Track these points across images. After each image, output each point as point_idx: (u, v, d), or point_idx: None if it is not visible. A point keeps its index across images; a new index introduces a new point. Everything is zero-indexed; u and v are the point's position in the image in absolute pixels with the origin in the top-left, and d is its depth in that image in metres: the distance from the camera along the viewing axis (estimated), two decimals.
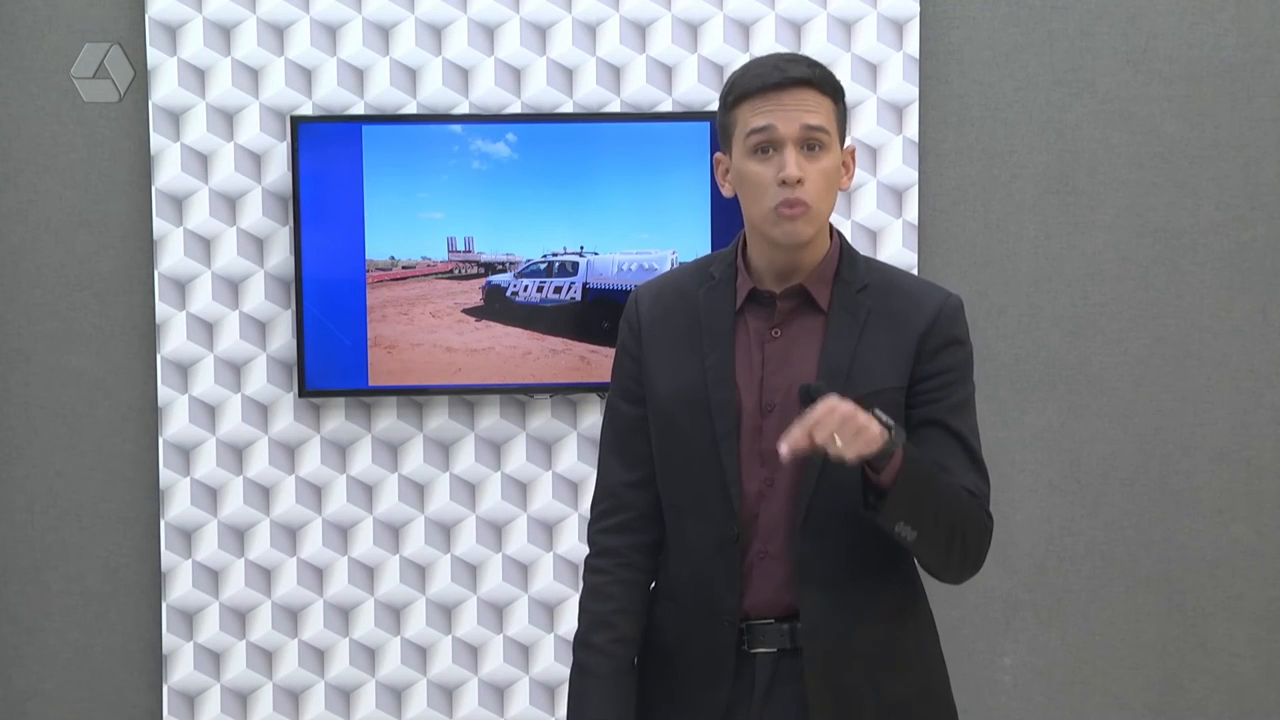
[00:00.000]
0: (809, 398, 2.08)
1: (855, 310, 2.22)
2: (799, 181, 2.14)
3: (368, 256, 3.71)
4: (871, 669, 2.24)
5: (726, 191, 2.27)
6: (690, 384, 2.23)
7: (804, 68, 2.17)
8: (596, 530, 2.36)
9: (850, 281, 2.24)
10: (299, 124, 3.70)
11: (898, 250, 3.85)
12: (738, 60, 3.82)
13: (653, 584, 2.36)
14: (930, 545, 2.20)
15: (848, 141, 2.26)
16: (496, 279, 3.75)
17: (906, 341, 2.20)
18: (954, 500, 2.20)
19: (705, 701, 2.26)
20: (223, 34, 3.77)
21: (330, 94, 3.78)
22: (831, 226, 2.28)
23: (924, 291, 2.26)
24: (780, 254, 2.22)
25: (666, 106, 3.82)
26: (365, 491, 3.86)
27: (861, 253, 2.33)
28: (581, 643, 2.32)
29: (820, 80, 2.18)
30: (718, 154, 2.28)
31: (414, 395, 3.81)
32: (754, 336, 2.24)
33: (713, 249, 3.56)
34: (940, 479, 2.18)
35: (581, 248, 3.74)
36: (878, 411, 2.06)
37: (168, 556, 3.84)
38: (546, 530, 3.88)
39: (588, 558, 2.37)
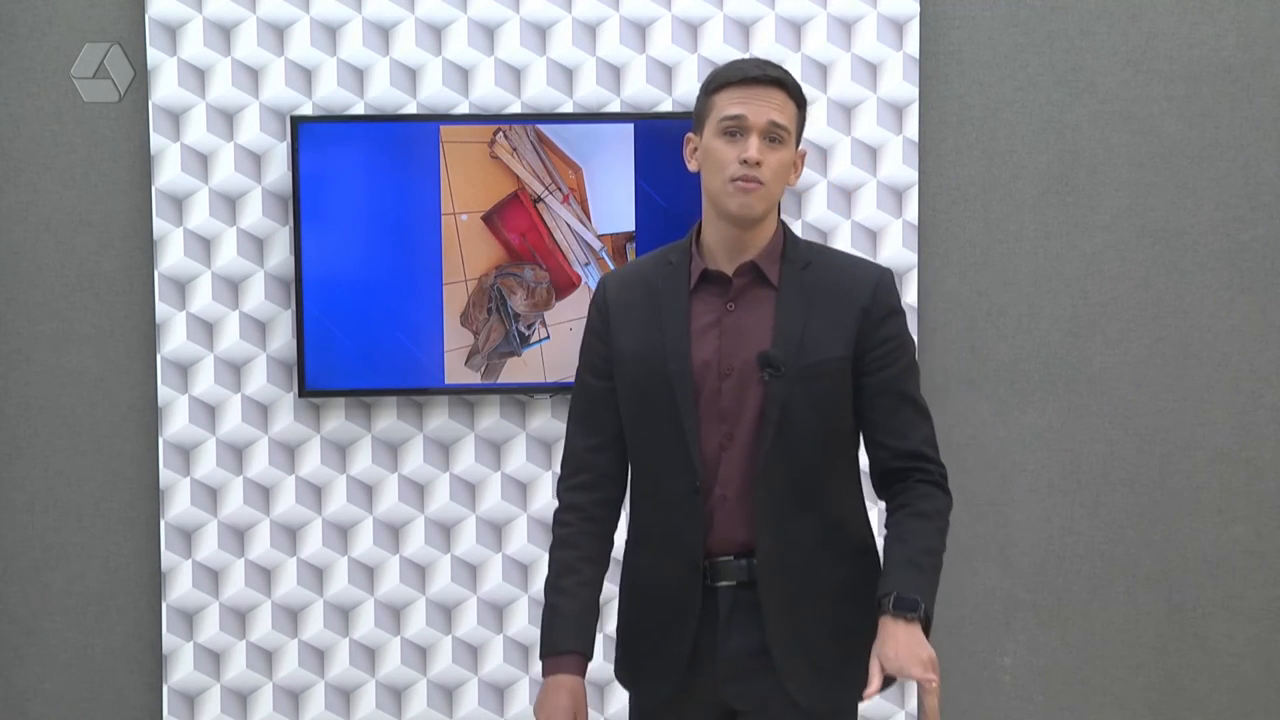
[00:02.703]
0: (766, 363, 2.45)
1: (802, 285, 2.51)
2: (758, 163, 2.44)
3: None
4: (823, 598, 2.52)
5: (692, 167, 2.56)
6: (652, 356, 2.52)
7: (779, 71, 2.50)
8: (563, 489, 2.67)
9: (795, 261, 2.54)
10: (299, 124, 3.70)
11: (898, 250, 3.85)
12: None
13: (613, 534, 2.65)
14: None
15: (801, 146, 2.56)
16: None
17: (849, 313, 2.50)
18: (939, 553, 2.52)
19: (676, 631, 2.54)
20: (223, 34, 3.77)
21: (330, 94, 3.79)
22: (778, 216, 2.58)
23: (860, 268, 2.57)
24: (733, 229, 2.50)
25: (666, 106, 3.82)
26: (365, 491, 3.86)
27: (853, 248, 2.53)
28: (551, 586, 2.64)
29: (790, 87, 2.50)
30: (689, 134, 2.57)
31: (414, 395, 3.81)
32: (710, 312, 2.52)
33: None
34: (935, 576, 2.48)
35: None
36: (922, 615, 2.37)
37: (168, 556, 3.84)
38: (546, 530, 3.88)
39: (555, 512, 2.68)
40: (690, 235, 2.59)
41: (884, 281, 2.54)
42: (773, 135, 2.46)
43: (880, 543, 2.58)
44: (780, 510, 2.49)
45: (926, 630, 2.40)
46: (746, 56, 2.54)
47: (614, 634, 3.87)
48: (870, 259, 2.58)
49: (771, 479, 2.48)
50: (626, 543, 2.68)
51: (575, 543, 2.62)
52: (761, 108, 2.45)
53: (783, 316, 2.49)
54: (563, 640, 2.57)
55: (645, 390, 2.53)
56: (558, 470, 3.85)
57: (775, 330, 2.48)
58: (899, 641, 2.36)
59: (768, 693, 2.52)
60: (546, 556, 3.87)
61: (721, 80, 2.49)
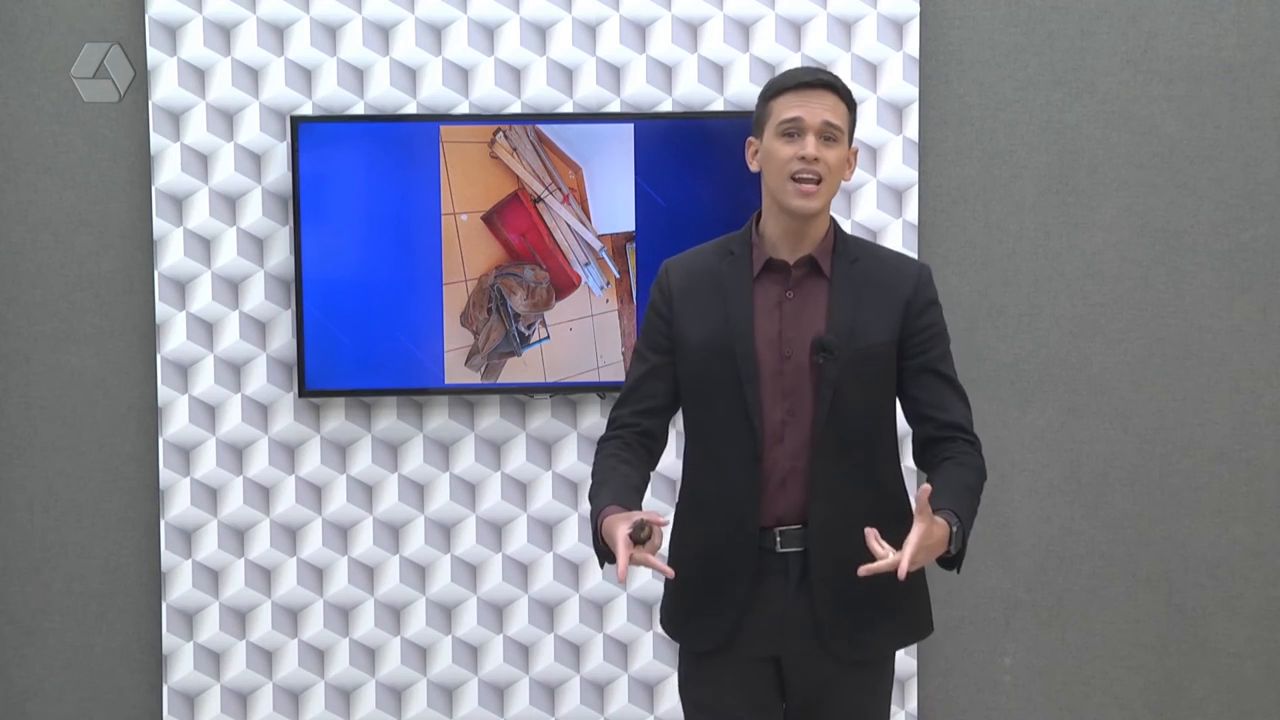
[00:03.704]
0: (821, 348, 2.67)
1: (852, 278, 2.74)
2: (815, 160, 2.66)
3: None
4: (862, 555, 2.61)
5: (754, 167, 2.76)
6: (717, 336, 2.73)
7: (831, 76, 2.73)
8: (603, 438, 2.84)
9: (845, 256, 2.76)
10: (299, 124, 3.70)
11: (897, 250, 3.85)
12: (738, 60, 3.82)
13: (651, 463, 2.82)
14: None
15: (854, 144, 2.77)
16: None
17: (895, 304, 2.74)
18: (977, 494, 2.73)
19: (730, 591, 2.73)
20: (223, 34, 3.77)
21: (330, 94, 3.79)
22: (828, 213, 2.76)
23: (902, 263, 2.81)
24: (793, 223, 2.71)
25: (667, 106, 3.82)
26: (365, 491, 3.86)
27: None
28: (593, 485, 2.75)
29: (842, 90, 2.72)
30: (749, 138, 2.77)
31: (414, 395, 3.81)
32: (771, 298, 2.73)
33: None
34: (974, 503, 2.71)
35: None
36: (952, 524, 2.59)
37: (168, 556, 3.84)
38: (546, 530, 3.88)
39: (597, 448, 2.82)
40: (749, 226, 2.79)
41: (924, 275, 2.78)
42: (828, 134, 2.67)
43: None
44: (833, 481, 2.70)
45: (959, 560, 2.66)
46: (798, 66, 2.92)
47: (613, 634, 3.90)
48: (910, 255, 2.85)
49: (826, 452, 2.70)
50: (676, 514, 2.86)
51: (612, 452, 2.79)
52: (816, 109, 2.67)
53: (836, 305, 2.71)
54: (603, 504, 2.68)
55: (710, 367, 2.72)
56: (557, 470, 3.87)
57: (829, 317, 2.71)
58: (930, 553, 2.57)
59: (812, 647, 2.74)
60: (547, 557, 3.90)
61: (778, 87, 2.71)
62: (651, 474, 2.82)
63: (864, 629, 2.76)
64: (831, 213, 2.76)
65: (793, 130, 2.67)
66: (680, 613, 2.84)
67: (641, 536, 2.50)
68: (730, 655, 2.77)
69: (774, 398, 2.71)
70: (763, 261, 2.74)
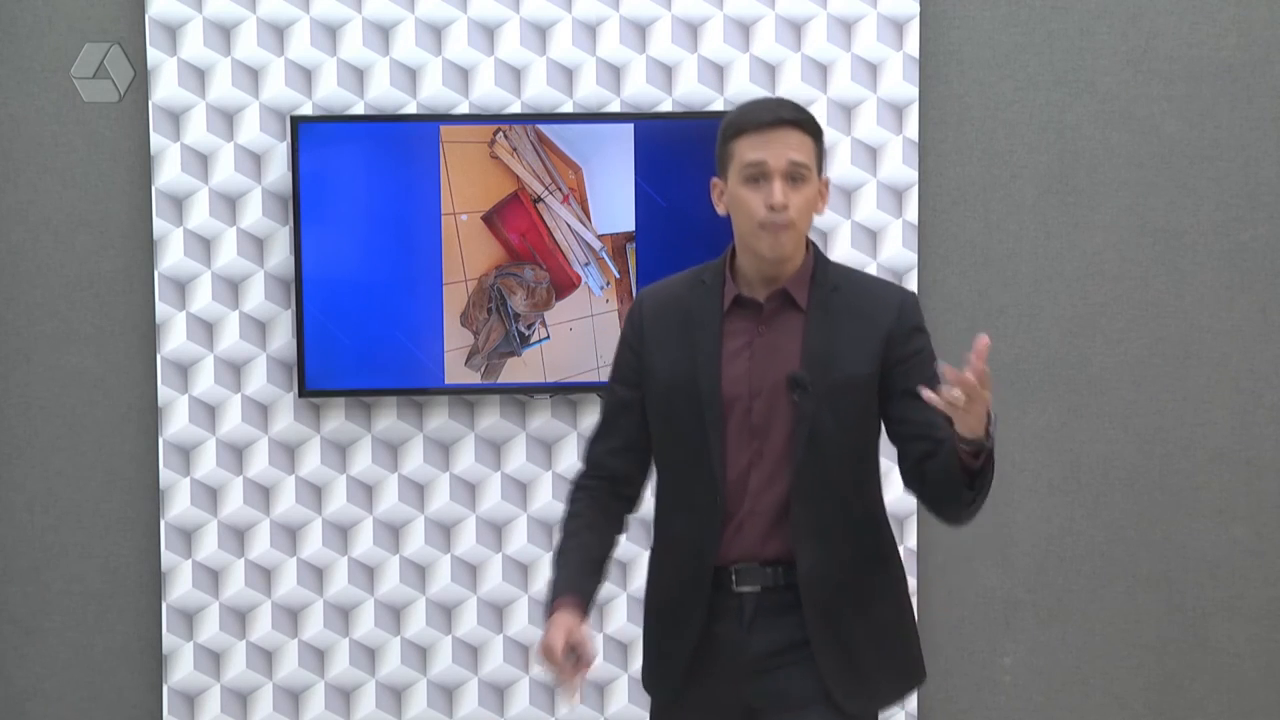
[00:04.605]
0: (795, 384, 2.55)
1: (829, 308, 2.61)
2: (784, 207, 2.53)
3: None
4: (860, 600, 2.62)
5: (720, 211, 2.64)
6: (683, 373, 2.62)
7: (792, 110, 2.57)
8: (575, 485, 2.76)
9: (824, 284, 2.63)
10: (299, 124, 3.70)
11: (898, 250, 3.85)
12: (737, 60, 3.82)
13: (619, 522, 2.74)
14: (974, 504, 2.57)
15: (824, 174, 2.62)
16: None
17: (876, 334, 2.60)
18: (993, 465, 2.55)
19: (679, 634, 2.65)
20: (223, 34, 3.77)
21: (330, 94, 3.79)
22: (807, 238, 2.64)
23: (885, 290, 2.68)
24: (765, 265, 2.59)
25: (666, 106, 3.82)
26: (365, 491, 3.86)
27: (853, 249, 2.66)
28: (554, 555, 2.71)
29: (805, 123, 2.57)
30: (714, 179, 2.64)
31: (414, 395, 3.81)
32: (740, 336, 2.61)
33: None
34: (989, 476, 2.53)
35: None
36: (993, 414, 2.46)
37: (168, 556, 3.84)
38: (546, 530, 3.88)
39: (569, 495, 2.74)
40: (725, 257, 2.67)
41: (907, 303, 2.65)
42: (794, 174, 2.54)
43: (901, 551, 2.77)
44: (818, 522, 2.59)
45: (986, 475, 2.50)
46: (761, 97, 2.76)
47: (614, 634, 3.90)
48: (895, 282, 2.73)
49: (807, 493, 2.58)
50: (650, 555, 2.78)
51: (578, 512, 2.71)
52: (779, 150, 2.53)
53: (811, 337, 2.59)
54: (558, 591, 2.64)
55: (675, 407, 2.62)
56: (557, 470, 3.87)
57: (803, 351, 2.58)
58: (979, 405, 2.44)
59: (791, 688, 2.61)
60: (547, 556, 3.90)
61: (736, 128, 2.57)
62: (631, 517, 2.75)
63: (860, 672, 2.63)
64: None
65: (757, 175, 2.53)
66: (646, 661, 2.77)
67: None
68: (700, 707, 2.66)
69: (740, 438, 2.59)
70: (732, 297, 2.62)
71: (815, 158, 2.58)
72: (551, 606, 2.61)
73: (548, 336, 3.80)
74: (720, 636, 2.63)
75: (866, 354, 2.59)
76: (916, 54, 3.85)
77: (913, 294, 2.70)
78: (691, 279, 2.69)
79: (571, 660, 2.51)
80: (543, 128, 3.75)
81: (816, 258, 2.66)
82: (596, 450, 2.75)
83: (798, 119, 2.56)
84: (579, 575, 2.65)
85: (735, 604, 2.62)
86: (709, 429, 2.59)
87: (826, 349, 2.58)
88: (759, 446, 2.59)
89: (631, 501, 2.76)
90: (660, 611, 2.73)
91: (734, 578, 2.61)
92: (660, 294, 2.71)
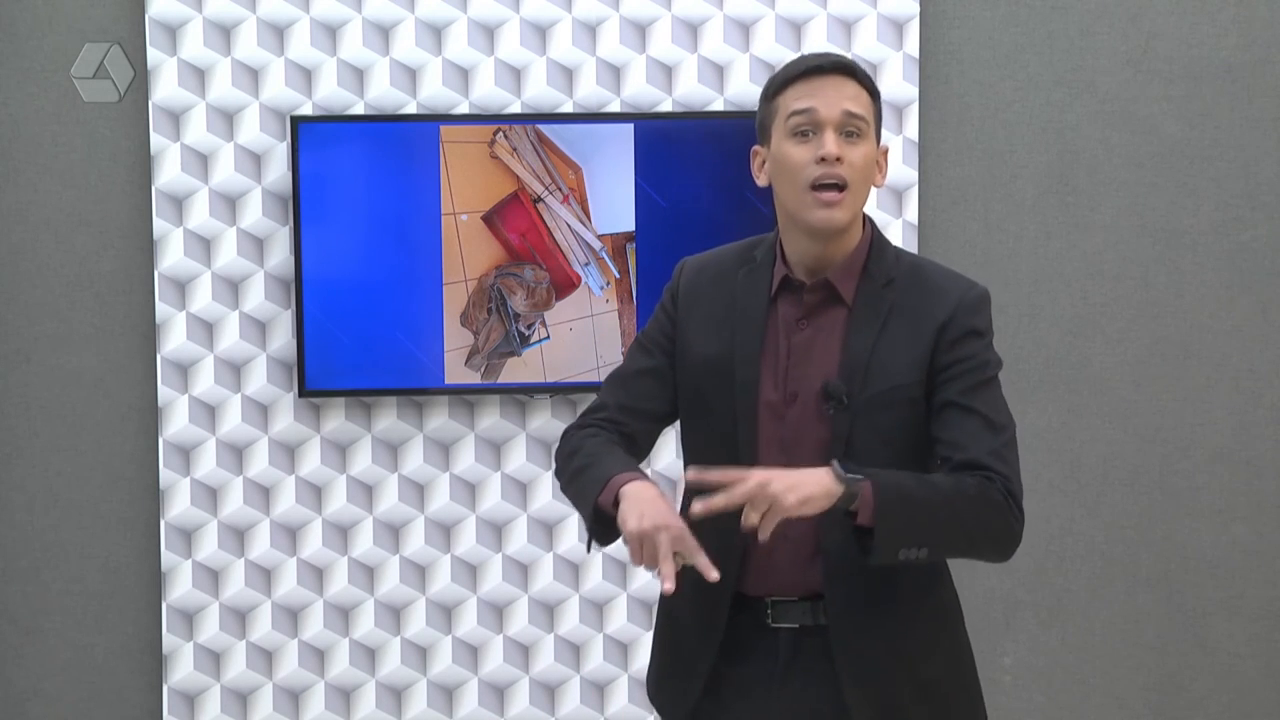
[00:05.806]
0: (830, 395, 2.19)
1: (878, 306, 2.23)
2: (838, 159, 2.16)
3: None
4: (898, 648, 2.27)
5: (761, 181, 2.29)
6: (718, 357, 2.27)
7: (846, 59, 2.23)
8: (577, 424, 2.38)
9: (876, 276, 2.26)
10: (299, 124, 3.70)
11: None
12: (738, 60, 3.82)
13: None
14: (948, 551, 2.24)
15: (883, 143, 2.29)
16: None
17: (924, 335, 2.22)
18: (951, 504, 2.17)
19: (695, 658, 2.31)
20: (223, 34, 3.77)
21: (330, 94, 3.78)
22: (865, 217, 2.29)
23: (948, 285, 2.28)
24: (814, 244, 2.24)
25: (667, 106, 3.82)
26: (365, 491, 3.86)
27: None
28: (575, 465, 2.30)
29: (862, 75, 2.22)
30: (755, 147, 2.29)
31: (414, 395, 3.81)
32: (783, 325, 2.26)
33: None
34: (925, 492, 2.15)
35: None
36: (835, 464, 2.09)
37: (168, 556, 3.84)
38: (546, 530, 3.88)
39: (566, 436, 2.37)
40: (777, 232, 2.32)
41: (967, 301, 2.26)
42: (850, 128, 2.18)
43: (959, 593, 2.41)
44: (852, 557, 2.17)
45: (851, 499, 2.09)
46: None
47: (614, 634, 3.89)
48: (966, 277, 2.32)
49: (839, 523, 2.16)
50: None
51: (595, 434, 2.33)
52: (832, 98, 2.17)
53: (852, 341, 2.22)
54: (611, 470, 2.22)
55: (705, 390, 2.29)
56: None
57: (842, 356, 2.22)
58: (794, 491, 2.03)
59: None
60: (547, 556, 3.90)
61: (784, 78, 2.22)
62: None
63: None
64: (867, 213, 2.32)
65: (806, 126, 2.18)
66: (654, 673, 2.45)
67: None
68: None
69: (770, 450, 2.23)
70: (781, 278, 2.27)
71: (874, 116, 2.23)
72: (608, 490, 2.16)
73: (548, 336, 3.80)
74: (742, 677, 2.29)
75: (911, 361, 2.22)
76: (916, 54, 3.85)
77: (980, 291, 2.29)
78: (741, 251, 2.35)
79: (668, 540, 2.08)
80: (543, 128, 3.75)
81: (873, 243, 2.28)
82: (609, 399, 2.36)
83: (854, 69, 2.21)
84: (626, 465, 2.23)
85: (773, 643, 2.28)
86: (739, 423, 2.24)
87: (867, 355, 2.21)
88: (788, 462, 2.18)
89: (632, 445, 2.37)
90: (674, 631, 2.40)
91: (769, 612, 2.27)
92: (704, 265, 2.37)
